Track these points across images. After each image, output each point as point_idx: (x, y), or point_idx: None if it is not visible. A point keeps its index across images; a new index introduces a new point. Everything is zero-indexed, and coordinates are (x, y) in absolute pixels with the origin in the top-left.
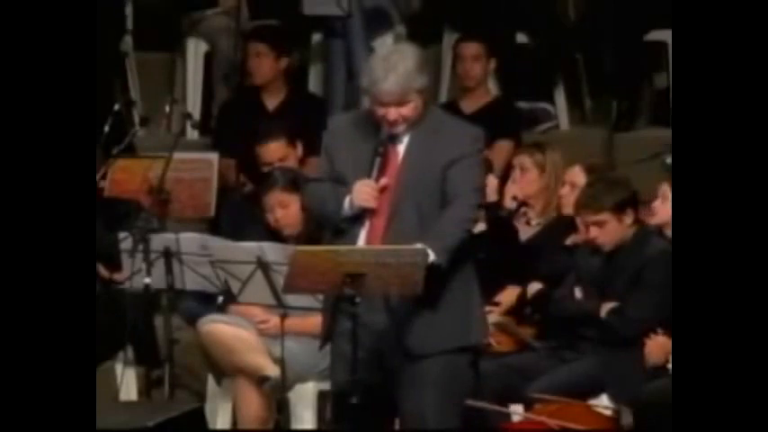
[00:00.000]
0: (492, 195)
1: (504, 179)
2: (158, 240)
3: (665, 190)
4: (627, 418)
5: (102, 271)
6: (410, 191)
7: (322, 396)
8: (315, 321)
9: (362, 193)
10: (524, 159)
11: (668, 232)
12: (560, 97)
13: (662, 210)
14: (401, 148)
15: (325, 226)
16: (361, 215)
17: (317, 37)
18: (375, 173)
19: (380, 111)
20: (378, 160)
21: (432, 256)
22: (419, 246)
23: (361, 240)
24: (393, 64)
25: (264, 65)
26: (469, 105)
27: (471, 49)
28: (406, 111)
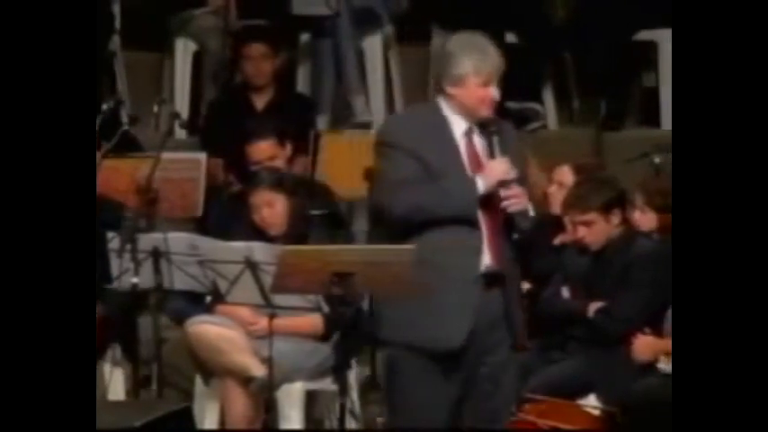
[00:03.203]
0: None
1: None
2: (147, 240)
3: (642, 204)
4: None
5: None
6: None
7: (309, 396)
8: (303, 321)
9: (498, 170)
10: None
11: (655, 236)
12: (549, 97)
13: (643, 220)
14: (476, 139)
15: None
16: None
17: (305, 37)
18: (497, 153)
19: (484, 92)
20: (495, 139)
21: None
22: (407, 246)
23: (483, 227)
24: (485, 43)
25: (265, 66)
26: None
27: None
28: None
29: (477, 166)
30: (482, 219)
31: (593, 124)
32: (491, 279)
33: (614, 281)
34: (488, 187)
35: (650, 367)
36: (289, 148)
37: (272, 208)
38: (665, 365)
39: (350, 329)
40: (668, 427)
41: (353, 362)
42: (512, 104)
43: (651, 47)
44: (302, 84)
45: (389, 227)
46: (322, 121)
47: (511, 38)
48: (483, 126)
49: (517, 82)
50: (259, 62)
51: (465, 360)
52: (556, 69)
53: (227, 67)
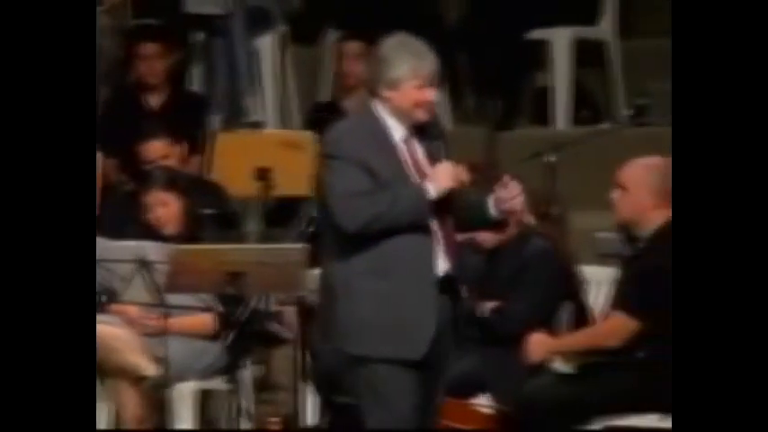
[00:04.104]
0: None
1: None
2: None
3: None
4: None
5: None
6: None
7: (203, 395)
8: (195, 321)
9: (445, 175)
10: None
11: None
12: (443, 96)
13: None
14: (415, 145)
15: (394, 226)
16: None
17: (198, 36)
18: (442, 157)
19: (420, 95)
20: (439, 143)
21: None
22: (298, 245)
23: (437, 231)
24: (420, 45)
25: (158, 65)
26: (352, 104)
27: (353, 47)
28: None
29: (420, 172)
30: (434, 224)
31: (486, 124)
32: (445, 283)
33: (508, 280)
34: (439, 193)
35: (544, 367)
36: (182, 148)
37: (165, 207)
38: (558, 365)
39: (243, 329)
40: (560, 427)
41: (247, 361)
42: None
43: (544, 45)
44: (195, 83)
45: (344, 238)
46: (215, 121)
47: None
48: (423, 130)
49: None
50: (152, 61)
51: (426, 363)
52: (449, 69)
53: (120, 66)
